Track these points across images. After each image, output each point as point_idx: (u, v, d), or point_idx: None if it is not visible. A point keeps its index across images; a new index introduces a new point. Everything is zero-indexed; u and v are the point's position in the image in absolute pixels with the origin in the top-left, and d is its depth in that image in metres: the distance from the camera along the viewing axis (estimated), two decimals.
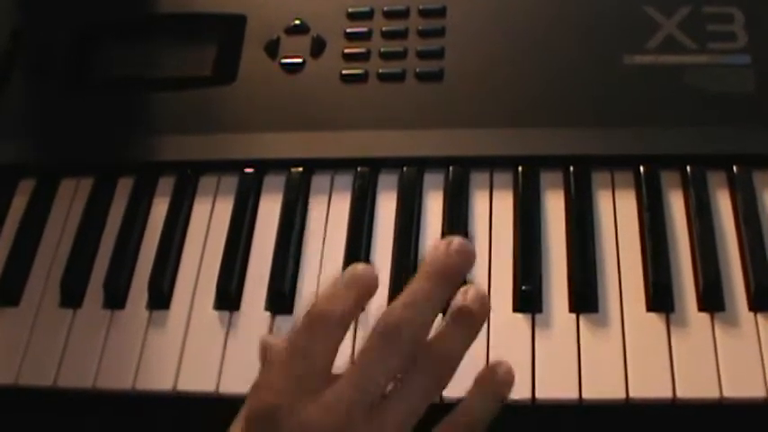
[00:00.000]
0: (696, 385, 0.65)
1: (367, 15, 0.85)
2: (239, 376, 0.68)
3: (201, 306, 0.73)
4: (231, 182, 0.79)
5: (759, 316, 0.68)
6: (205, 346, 0.71)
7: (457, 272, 0.56)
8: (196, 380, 0.69)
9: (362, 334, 0.69)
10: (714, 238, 0.71)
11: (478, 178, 0.77)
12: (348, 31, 0.84)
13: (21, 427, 0.72)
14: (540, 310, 0.69)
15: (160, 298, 0.73)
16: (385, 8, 0.85)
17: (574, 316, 0.69)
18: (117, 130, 0.82)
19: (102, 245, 0.77)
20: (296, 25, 0.85)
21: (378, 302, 0.71)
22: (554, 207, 0.75)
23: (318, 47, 0.84)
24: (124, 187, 0.80)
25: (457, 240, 0.57)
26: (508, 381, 0.57)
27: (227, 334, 0.71)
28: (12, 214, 0.80)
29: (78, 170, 0.81)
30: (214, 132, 0.80)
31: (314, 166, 0.79)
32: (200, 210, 0.78)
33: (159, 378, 0.69)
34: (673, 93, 0.78)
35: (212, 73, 0.84)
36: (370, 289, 0.57)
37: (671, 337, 0.67)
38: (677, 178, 0.75)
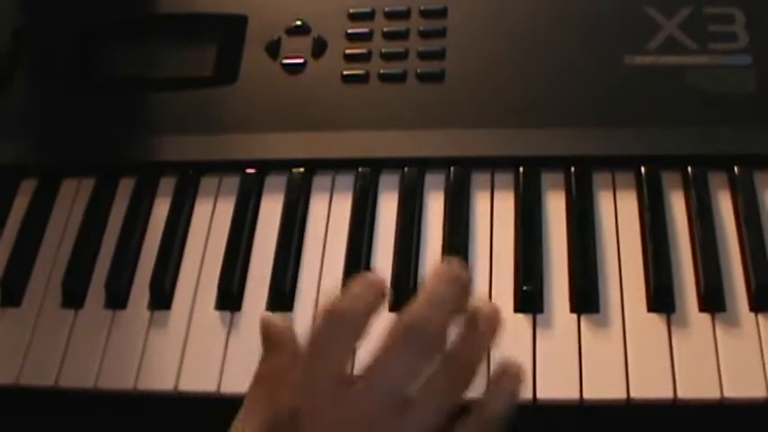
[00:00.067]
0: (697, 385, 0.65)
1: (368, 16, 0.85)
2: (240, 376, 0.68)
3: (203, 306, 0.73)
4: (232, 182, 0.79)
5: (760, 316, 0.68)
6: (206, 346, 0.71)
7: (466, 283, 0.57)
8: (197, 380, 0.69)
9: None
10: (715, 238, 0.71)
11: (479, 179, 0.77)
12: (349, 31, 0.84)
13: (22, 427, 0.72)
14: (541, 311, 0.69)
15: (161, 298, 0.73)
16: (386, 9, 0.85)
17: (575, 316, 0.69)
18: (118, 130, 0.83)
19: (103, 245, 0.77)
20: (297, 26, 0.85)
21: None
22: (555, 207, 0.75)
23: (319, 47, 0.84)
24: (125, 187, 0.80)
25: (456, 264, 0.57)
26: (519, 380, 0.57)
27: (228, 334, 0.71)
28: (13, 214, 0.80)
29: (80, 170, 0.81)
30: (215, 133, 0.80)
31: (315, 166, 0.79)
32: (201, 210, 0.78)
33: (161, 378, 0.69)
34: (673, 93, 0.78)
35: (213, 73, 0.84)
36: (383, 294, 0.57)
37: (672, 338, 0.67)
38: (678, 179, 0.75)
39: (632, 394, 0.65)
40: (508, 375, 0.58)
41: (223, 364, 0.69)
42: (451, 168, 0.77)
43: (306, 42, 0.84)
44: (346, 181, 0.78)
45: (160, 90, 0.84)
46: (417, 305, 0.55)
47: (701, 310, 0.69)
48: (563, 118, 0.78)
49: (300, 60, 0.83)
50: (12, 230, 0.79)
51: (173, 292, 0.74)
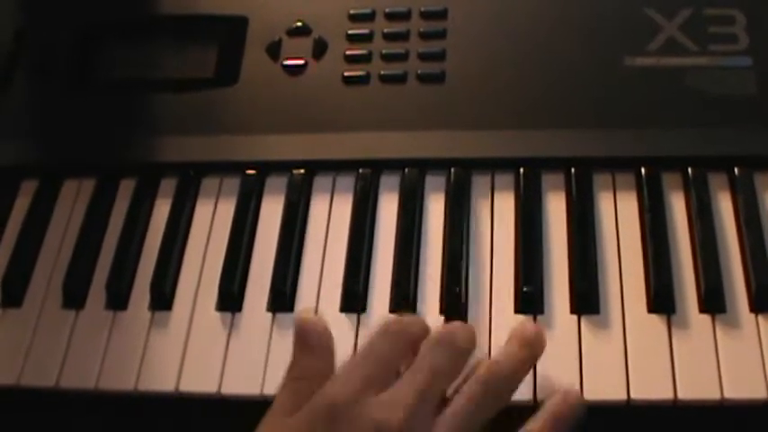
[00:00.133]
0: (697, 386, 0.65)
1: (369, 17, 0.85)
2: (241, 377, 0.69)
3: (204, 307, 0.73)
4: (233, 183, 0.79)
5: (760, 317, 0.68)
6: (207, 347, 0.71)
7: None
8: (198, 381, 0.69)
9: (364, 333, 0.69)
10: (715, 239, 0.71)
11: (480, 180, 0.77)
12: (350, 32, 0.84)
13: (23, 427, 0.72)
14: (541, 312, 0.69)
15: (162, 299, 0.73)
16: (387, 10, 0.85)
17: (575, 317, 0.69)
18: (119, 131, 0.83)
19: (104, 246, 0.77)
20: (298, 27, 0.85)
21: (379, 304, 0.71)
22: (555, 208, 0.75)
23: (320, 48, 0.84)
24: (126, 188, 0.80)
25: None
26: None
27: (229, 335, 0.71)
28: (14, 215, 0.80)
29: (81, 171, 0.81)
30: (216, 134, 0.80)
31: (316, 167, 0.79)
32: (202, 211, 0.78)
33: (161, 379, 0.69)
34: (674, 94, 0.78)
35: (214, 74, 0.84)
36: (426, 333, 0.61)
37: (672, 339, 0.67)
38: (678, 180, 0.75)
39: (632, 395, 0.65)
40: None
41: (224, 365, 0.69)
42: (452, 169, 0.77)
43: (306, 43, 0.84)
44: (347, 182, 0.78)
45: (161, 91, 0.84)
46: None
47: (702, 311, 0.69)
48: (563, 119, 0.78)
49: (301, 61, 0.83)
50: (12, 231, 0.79)
51: (173, 293, 0.74)
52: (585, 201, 0.74)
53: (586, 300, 0.70)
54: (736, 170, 0.74)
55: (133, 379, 0.70)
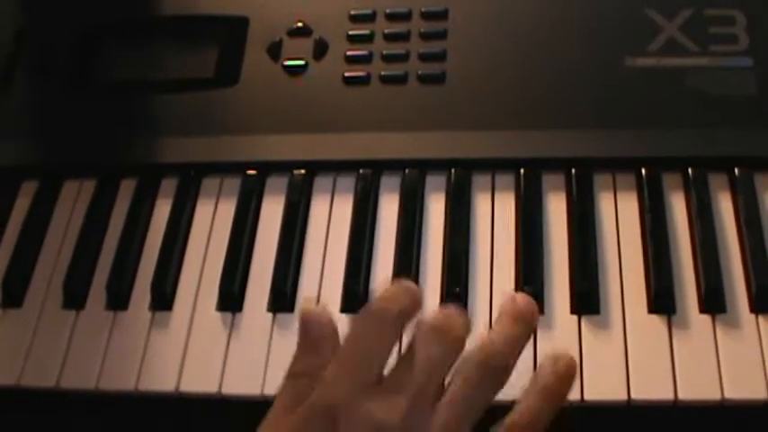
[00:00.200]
0: (697, 387, 0.65)
1: (369, 18, 0.85)
2: (242, 377, 0.69)
3: (204, 307, 0.73)
4: (234, 183, 0.79)
5: (760, 318, 0.68)
6: (208, 347, 0.71)
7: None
8: (199, 381, 0.69)
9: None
10: (715, 240, 0.71)
11: (480, 180, 0.77)
12: (350, 33, 0.84)
13: (23, 428, 0.72)
14: (541, 312, 0.69)
15: (163, 299, 0.73)
16: (387, 10, 0.85)
17: (575, 318, 0.69)
18: (120, 131, 0.83)
19: (104, 246, 0.77)
20: (298, 27, 0.85)
21: None
22: (556, 209, 0.75)
23: (321, 49, 0.84)
24: (127, 189, 0.80)
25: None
26: (570, 376, 0.57)
27: (229, 335, 0.71)
28: (14, 216, 0.80)
29: (81, 172, 0.81)
30: (217, 134, 0.81)
31: (316, 168, 0.79)
32: (202, 211, 0.78)
33: (162, 379, 0.70)
34: (674, 95, 0.78)
35: (215, 75, 0.84)
36: (420, 299, 0.58)
37: (672, 339, 0.67)
38: (679, 180, 0.75)
39: (633, 395, 0.65)
40: (557, 372, 0.58)
41: (224, 365, 0.69)
42: (452, 170, 0.77)
43: (307, 44, 0.84)
44: (347, 183, 0.78)
45: (161, 91, 0.84)
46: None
47: (702, 311, 0.69)
48: (564, 120, 0.78)
49: (302, 62, 0.83)
50: (13, 232, 0.79)
51: (174, 293, 0.74)
52: (586, 201, 0.74)
53: (587, 300, 0.70)
54: (736, 171, 0.74)
55: (134, 379, 0.70)
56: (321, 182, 0.78)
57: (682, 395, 0.65)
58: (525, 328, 0.58)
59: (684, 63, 0.79)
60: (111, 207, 0.79)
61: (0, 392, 0.71)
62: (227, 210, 0.77)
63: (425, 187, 0.77)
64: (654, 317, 0.69)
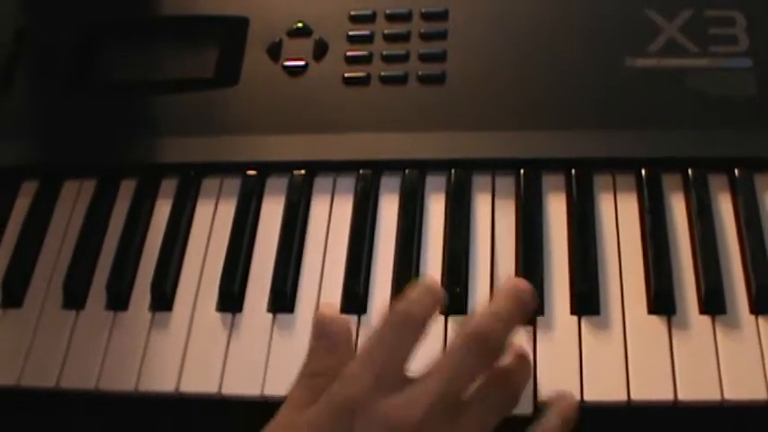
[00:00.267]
0: (697, 387, 0.65)
1: (369, 18, 0.85)
2: (242, 378, 0.69)
3: (204, 308, 0.73)
4: (234, 184, 0.79)
5: (760, 319, 0.68)
6: (208, 347, 0.71)
7: (529, 301, 0.60)
8: (199, 381, 0.69)
9: (364, 334, 0.69)
10: (715, 240, 0.71)
11: (480, 181, 0.77)
12: (350, 33, 0.84)
13: (23, 428, 0.72)
14: (541, 313, 0.69)
15: (163, 299, 0.73)
16: (387, 11, 0.85)
17: (575, 318, 0.69)
18: (120, 131, 0.83)
19: (104, 246, 0.77)
20: (298, 28, 0.85)
21: (380, 304, 0.71)
22: (556, 210, 0.75)
23: (321, 49, 0.84)
24: (127, 189, 0.80)
25: (524, 281, 0.61)
26: (574, 403, 0.61)
27: (229, 335, 0.71)
28: (14, 216, 0.80)
29: (81, 172, 0.81)
30: (217, 135, 0.81)
31: (316, 168, 0.79)
32: (202, 212, 0.78)
33: (162, 379, 0.70)
34: (674, 96, 0.78)
35: (215, 75, 0.84)
36: (441, 300, 0.60)
37: (672, 340, 0.67)
38: (679, 181, 0.75)
39: (633, 396, 0.65)
40: (568, 398, 0.60)
41: (224, 365, 0.69)
42: (452, 170, 0.77)
43: (307, 44, 0.84)
44: (347, 183, 0.78)
45: (161, 92, 0.84)
46: (485, 313, 0.58)
47: (702, 312, 0.69)
48: (564, 120, 0.78)
49: (302, 62, 0.83)
50: (13, 232, 0.79)
51: (174, 293, 0.74)
52: (586, 202, 0.74)
53: (587, 301, 0.70)
54: (736, 171, 0.75)
55: (133, 379, 0.70)
56: (321, 182, 0.78)
57: (681, 396, 0.65)
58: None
59: (684, 64, 0.79)
60: (111, 207, 0.79)
61: (0, 392, 0.71)
62: (227, 210, 0.77)
63: (425, 188, 0.77)
64: (654, 317, 0.69)
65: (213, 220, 0.77)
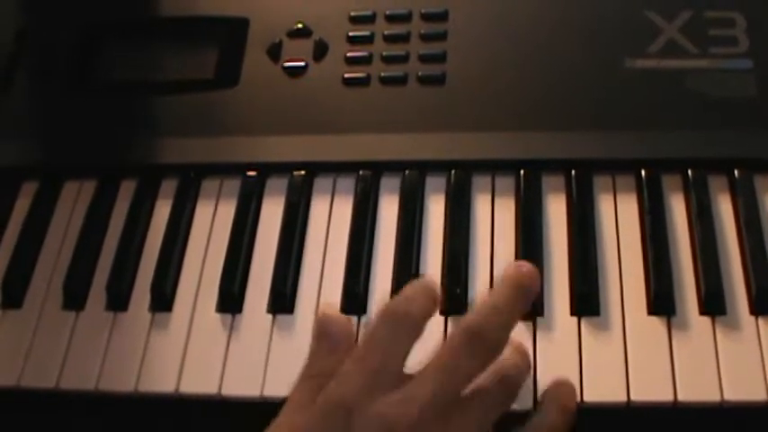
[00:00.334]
0: (697, 388, 0.65)
1: (369, 19, 0.85)
2: (241, 378, 0.69)
3: (204, 308, 0.73)
4: (234, 185, 0.79)
5: (760, 320, 0.68)
6: (207, 348, 0.71)
7: (531, 287, 0.60)
8: (198, 382, 0.69)
9: (364, 332, 0.69)
10: (715, 241, 0.71)
11: (480, 182, 0.77)
12: (350, 34, 0.84)
13: (23, 428, 0.72)
14: (541, 314, 0.69)
15: (163, 300, 0.73)
16: (387, 12, 0.85)
17: (575, 319, 0.69)
18: (120, 132, 0.83)
19: (104, 247, 0.77)
20: (298, 29, 0.85)
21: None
22: (556, 210, 0.75)
23: (321, 50, 0.84)
24: (127, 190, 0.80)
25: (527, 264, 0.61)
26: (573, 393, 0.61)
27: (229, 336, 0.71)
28: (14, 216, 0.80)
29: (81, 172, 0.81)
30: (217, 135, 0.81)
31: (316, 169, 0.79)
32: (202, 212, 0.78)
33: (162, 380, 0.70)
34: (674, 97, 0.78)
35: (215, 76, 0.84)
36: (437, 298, 0.60)
37: (672, 341, 0.67)
38: (678, 182, 0.75)
39: (633, 397, 0.65)
40: (563, 389, 0.59)
41: (224, 366, 0.69)
42: (452, 171, 0.77)
43: (307, 45, 0.84)
44: (347, 184, 0.78)
45: (161, 93, 0.84)
46: (481, 309, 0.56)
47: (702, 313, 0.69)
48: (564, 121, 0.78)
49: (301, 63, 0.83)
50: (13, 232, 0.79)
51: (174, 294, 0.74)
52: (586, 203, 0.74)
53: (587, 302, 0.70)
54: (736, 172, 0.75)
55: (133, 380, 0.70)
56: (321, 183, 0.78)
57: (681, 397, 0.65)
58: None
59: (684, 65, 0.79)
60: (111, 208, 0.79)
61: (0, 393, 0.71)
62: (227, 211, 0.77)
63: (425, 188, 0.77)
64: (654, 318, 0.69)
65: (213, 221, 0.77)
